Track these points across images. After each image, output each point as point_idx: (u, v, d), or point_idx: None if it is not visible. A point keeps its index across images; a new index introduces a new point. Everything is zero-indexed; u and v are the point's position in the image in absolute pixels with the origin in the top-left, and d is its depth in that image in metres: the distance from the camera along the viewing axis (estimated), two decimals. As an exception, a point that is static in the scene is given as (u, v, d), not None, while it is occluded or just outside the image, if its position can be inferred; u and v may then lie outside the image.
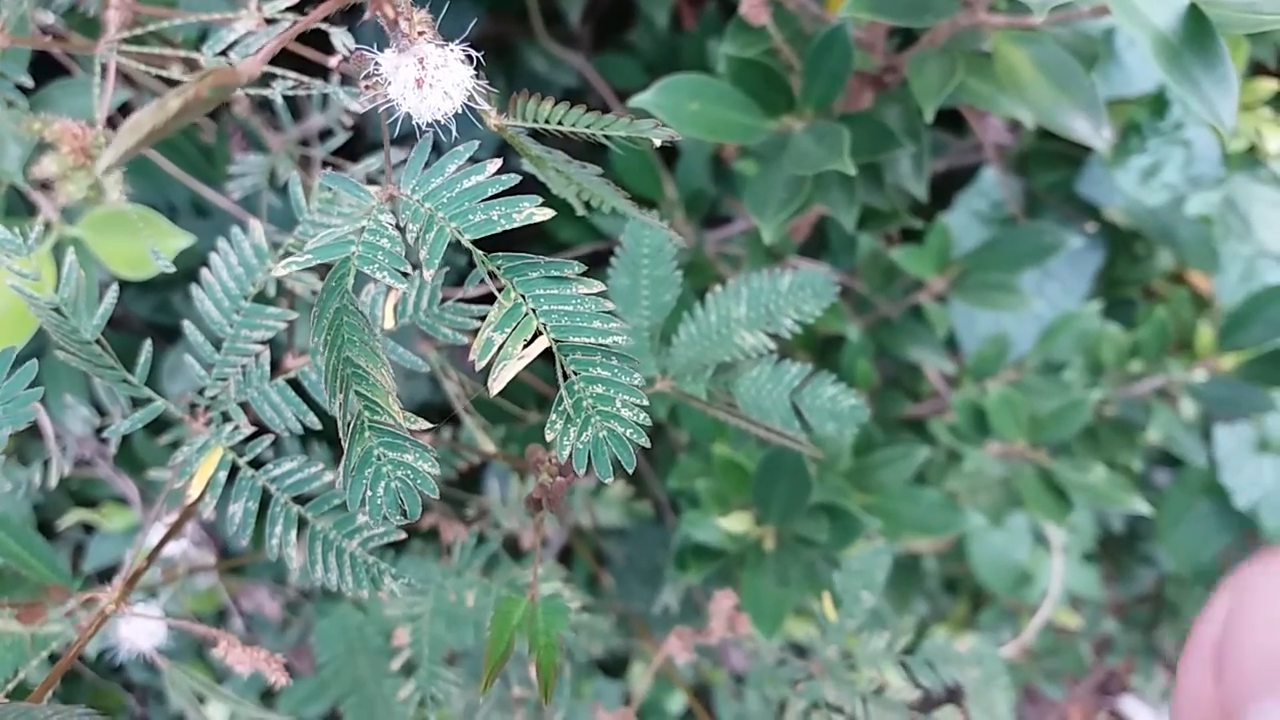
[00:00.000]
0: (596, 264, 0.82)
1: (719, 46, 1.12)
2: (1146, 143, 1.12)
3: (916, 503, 1.01)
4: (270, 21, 0.63)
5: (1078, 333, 1.19)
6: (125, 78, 1.10)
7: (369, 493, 0.43)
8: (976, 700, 0.88)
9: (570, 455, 0.44)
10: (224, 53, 0.63)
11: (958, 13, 0.76)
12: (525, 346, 0.45)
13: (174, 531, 0.70)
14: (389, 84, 0.47)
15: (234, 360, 0.61)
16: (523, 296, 0.45)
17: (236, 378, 0.61)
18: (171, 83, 0.76)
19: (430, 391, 1.27)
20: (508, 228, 0.46)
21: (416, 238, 0.46)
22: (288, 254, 0.61)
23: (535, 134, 0.52)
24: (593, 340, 0.45)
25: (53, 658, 0.78)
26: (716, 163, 1.29)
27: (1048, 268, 1.28)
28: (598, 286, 0.45)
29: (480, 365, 0.45)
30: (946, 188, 1.34)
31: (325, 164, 0.97)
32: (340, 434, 0.43)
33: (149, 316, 1.35)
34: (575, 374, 0.45)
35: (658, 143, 0.49)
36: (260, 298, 0.64)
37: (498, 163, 0.47)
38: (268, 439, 0.59)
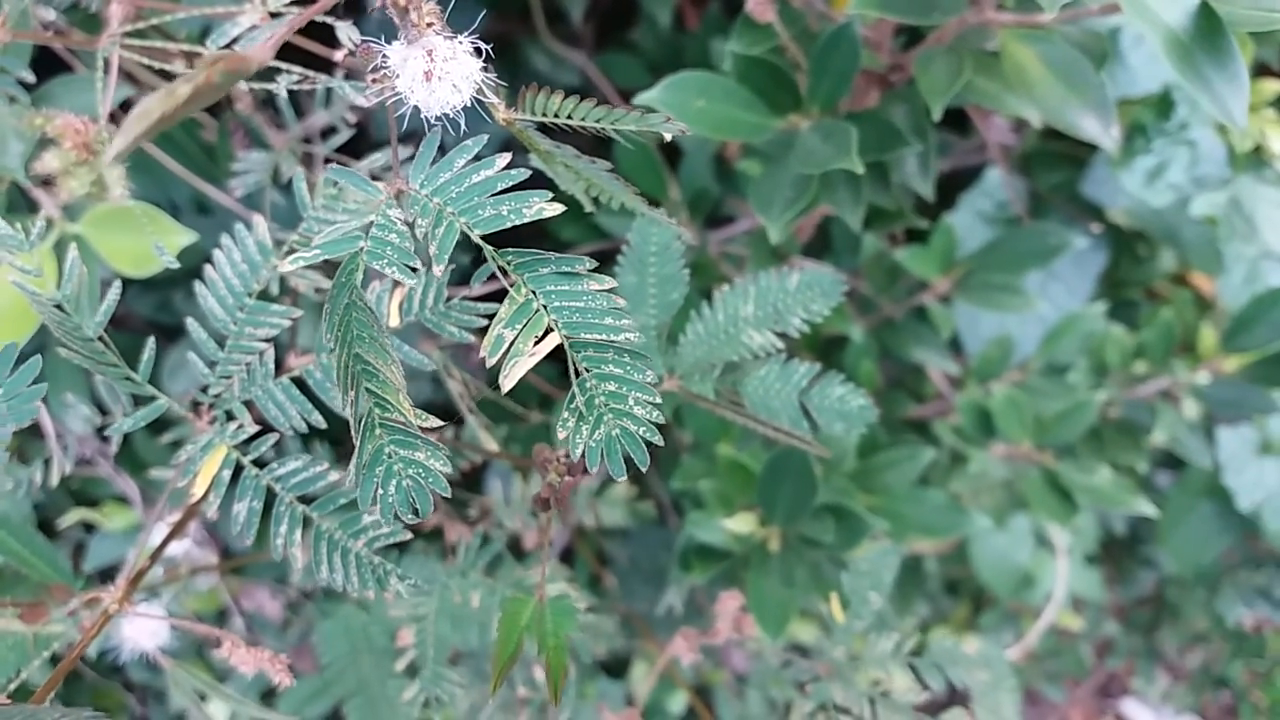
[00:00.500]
0: (600, 264, 0.81)
1: (723, 45, 1.12)
2: (1151, 143, 1.12)
3: (922, 504, 1.01)
4: (274, 15, 0.62)
5: (1082, 334, 1.18)
6: (127, 75, 1.09)
7: (380, 491, 0.42)
8: (982, 702, 0.87)
9: (583, 453, 0.43)
10: (229, 46, 0.62)
11: (965, 10, 0.75)
12: (536, 343, 0.44)
13: (177, 531, 0.70)
14: (397, 77, 0.47)
15: (238, 358, 0.60)
16: (533, 293, 0.45)
17: (240, 376, 0.60)
18: (174, 78, 0.76)
19: (433, 391, 1.26)
20: (517, 223, 0.45)
21: (425, 233, 0.45)
22: (292, 251, 0.61)
23: (543, 129, 0.52)
24: (604, 337, 0.44)
25: (55, 658, 0.78)
26: (719, 162, 1.29)
27: (1052, 269, 1.28)
28: (609, 283, 0.45)
29: (491, 362, 0.44)
30: (950, 188, 1.33)
31: (328, 161, 0.96)
32: (352, 431, 0.42)
33: (150, 315, 1.34)
34: (587, 371, 0.44)
35: (668, 137, 0.49)
36: (264, 295, 0.63)
37: (506, 157, 0.47)
38: (272, 438, 0.59)
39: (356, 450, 0.42)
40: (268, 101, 1.04)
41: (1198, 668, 2.16)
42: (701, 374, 0.66)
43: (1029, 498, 1.10)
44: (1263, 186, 1.15)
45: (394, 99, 0.47)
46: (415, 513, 0.43)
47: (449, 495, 0.42)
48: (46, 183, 1.03)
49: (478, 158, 0.47)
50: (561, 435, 0.44)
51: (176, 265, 0.63)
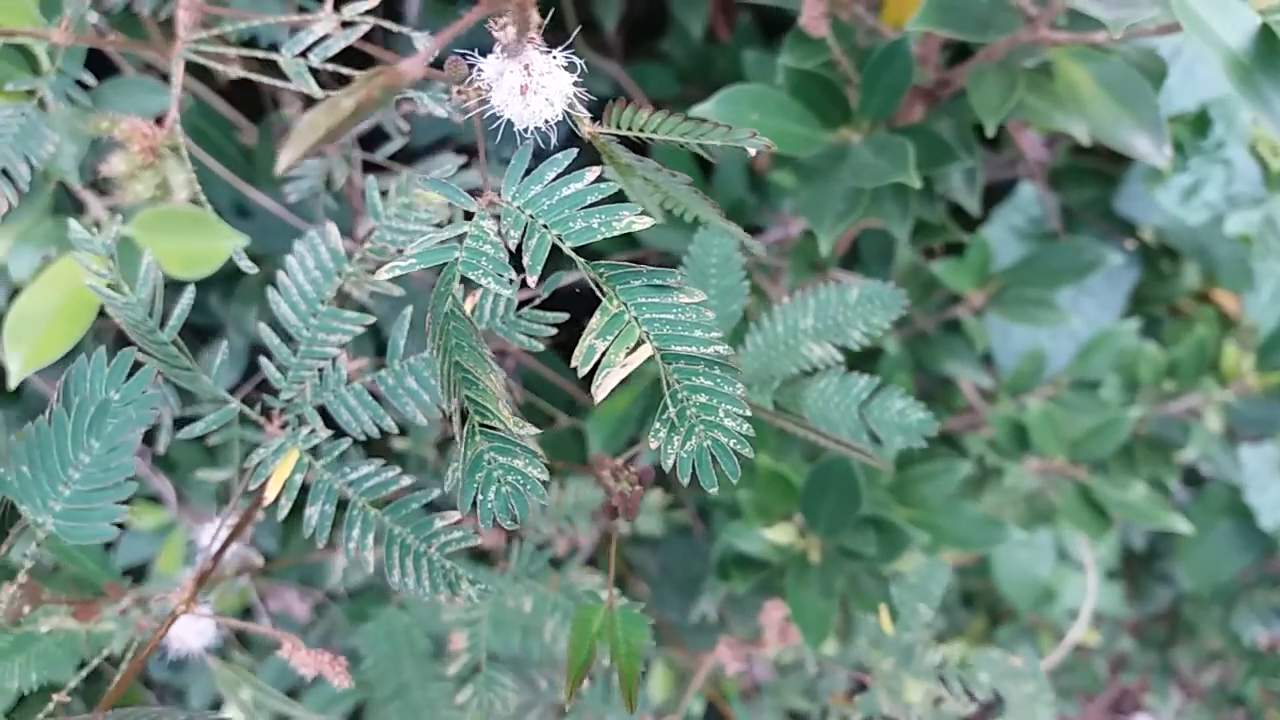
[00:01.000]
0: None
1: (753, 56, 1.13)
2: (1188, 161, 1.13)
3: (959, 517, 1.01)
4: (347, 25, 0.63)
5: (1115, 350, 1.19)
6: (163, 77, 1.10)
7: (480, 496, 0.43)
8: (1017, 714, 0.88)
9: (674, 464, 0.44)
10: (303, 54, 0.63)
11: (1020, 29, 0.76)
12: (628, 355, 0.45)
13: (239, 531, 0.71)
14: (491, 90, 0.48)
15: (310, 363, 0.61)
16: (625, 305, 0.45)
17: (313, 381, 0.61)
18: (243, 82, 0.77)
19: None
20: (608, 235, 0.46)
21: (518, 244, 0.46)
22: (363, 259, 0.61)
23: (627, 142, 0.53)
24: (695, 350, 0.45)
25: (110, 659, 0.79)
26: (749, 173, 1.30)
27: (1085, 284, 1.29)
28: (699, 296, 0.46)
29: (583, 372, 0.45)
30: (981, 202, 1.35)
31: (368, 166, 0.97)
32: (455, 437, 0.43)
33: (189, 318, 1.35)
34: (678, 383, 0.45)
35: (752, 152, 0.50)
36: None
37: (596, 171, 0.48)
38: (345, 442, 0.59)
39: (460, 456, 0.43)
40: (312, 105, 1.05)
41: (1213, 686, 2.16)
42: (760, 385, 0.67)
43: (1064, 512, 1.11)
44: (1296, 207, 1.16)
45: (486, 111, 0.48)
46: (513, 519, 0.43)
47: (545, 502, 0.43)
48: (95, 185, 1.04)
49: (566, 171, 0.48)
50: (653, 445, 0.44)
51: (255, 270, 0.64)
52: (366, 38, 0.63)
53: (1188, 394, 1.21)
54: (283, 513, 0.59)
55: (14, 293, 1.05)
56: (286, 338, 0.62)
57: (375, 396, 0.61)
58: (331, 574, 1.05)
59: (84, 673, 0.70)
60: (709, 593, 1.10)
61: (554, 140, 0.50)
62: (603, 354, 0.45)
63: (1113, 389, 1.20)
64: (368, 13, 0.62)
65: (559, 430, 1.20)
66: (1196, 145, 1.14)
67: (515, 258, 0.47)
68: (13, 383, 0.94)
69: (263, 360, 0.62)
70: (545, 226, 0.46)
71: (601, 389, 0.44)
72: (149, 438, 1.11)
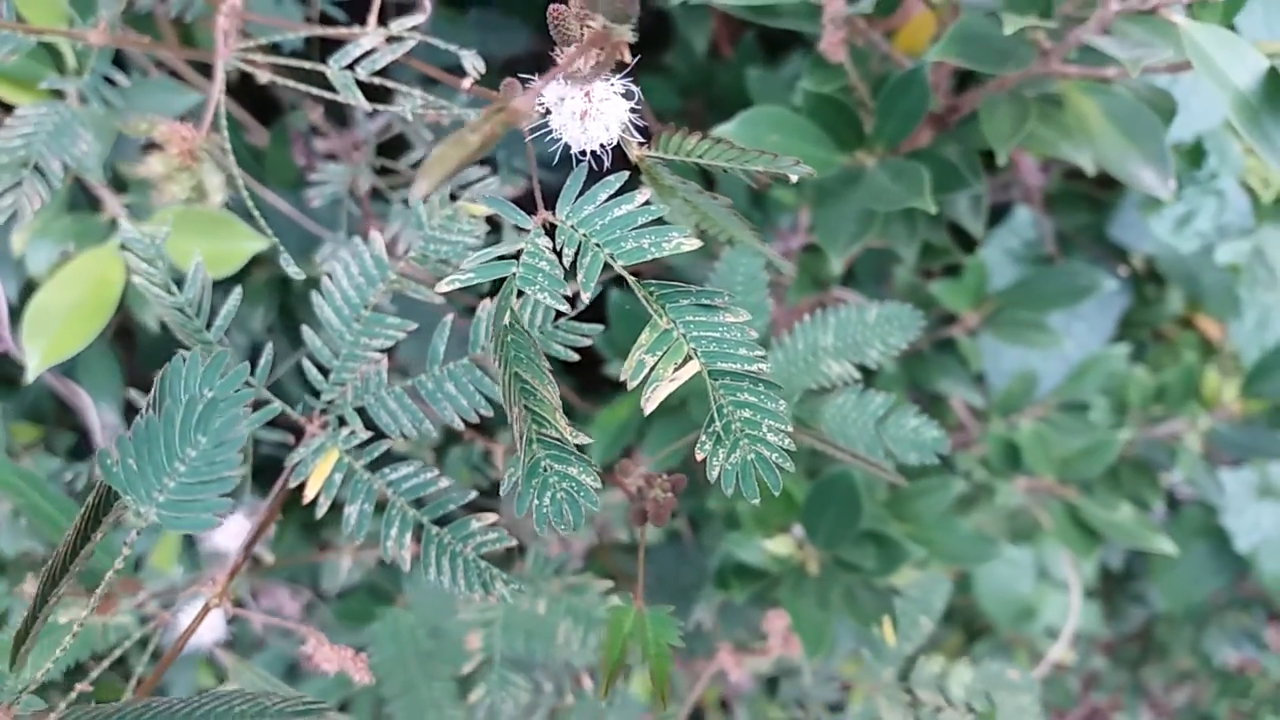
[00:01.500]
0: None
1: (755, 74, 1.16)
2: (1182, 191, 1.17)
3: (952, 533, 1.04)
4: (392, 40, 0.66)
5: (1105, 374, 1.23)
6: (175, 75, 1.12)
7: (536, 501, 0.46)
8: (1009, 726, 0.91)
9: (719, 475, 0.47)
10: (350, 67, 0.65)
11: (1034, 62, 0.80)
12: (676, 370, 0.48)
13: (265, 527, 0.73)
14: (551, 114, 0.50)
15: (352, 366, 0.63)
16: (674, 322, 0.48)
17: (354, 384, 0.63)
18: (249, 84, 0.79)
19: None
20: (657, 256, 0.49)
21: (571, 261, 0.49)
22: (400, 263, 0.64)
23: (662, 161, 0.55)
24: (739, 367, 0.48)
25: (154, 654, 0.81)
26: (750, 189, 1.33)
27: (1077, 309, 1.33)
28: (744, 315, 0.48)
29: (631, 385, 0.48)
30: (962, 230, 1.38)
31: (381, 171, 1.00)
32: (516, 445, 0.46)
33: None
34: (724, 398, 0.48)
35: (793, 179, 0.52)
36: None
37: (646, 194, 0.50)
38: (385, 444, 0.62)
39: (520, 462, 0.46)
40: (335, 112, 1.07)
41: (1182, 705, 2.20)
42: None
43: (1055, 530, 1.14)
44: (1283, 238, 1.20)
45: (543, 134, 0.51)
46: (567, 524, 0.46)
47: (598, 508, 0.46)
48: (113, 185, 1.06)
49: (619, 192, 0.50)
50: (700, 457, 0.47)
51: (302, 277, 0.66)
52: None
53: (1174, 418, 1.24)
54: (322, 510, 0.62)
55: (25, 286, 1.07)
56: (329, 341, 0.64)
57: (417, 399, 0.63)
58: (334, 574, 1.07)
59: (106, 663, 0.72)
60: (704, 601, 1.12)
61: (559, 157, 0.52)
62: (652, 368, 0.48)
63: (1101, 411, 1.24)
64: (413, 28, 0.64)
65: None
66: (1191, 176, 1.18)
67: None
68: (30, 376, 0.95)
69: (305, 362, 0.64)
70: (598, 245, 0.49)
71: (651, 401, 0.47)
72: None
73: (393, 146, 1.02)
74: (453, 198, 0.66)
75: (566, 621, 0.77)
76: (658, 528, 0.60)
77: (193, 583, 0.91)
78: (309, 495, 0.61)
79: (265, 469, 0.97)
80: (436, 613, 0.95)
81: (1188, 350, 1.34)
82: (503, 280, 0.49)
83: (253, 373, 0.63)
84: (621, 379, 0.48)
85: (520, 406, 0.45)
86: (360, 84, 0.67)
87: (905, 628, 0.86)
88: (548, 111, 0.51)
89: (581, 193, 0.50)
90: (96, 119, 0.86)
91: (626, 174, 0.51)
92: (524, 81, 0.55)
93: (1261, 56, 0.69)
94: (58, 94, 0.91)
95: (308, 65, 0.67)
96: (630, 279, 0.48)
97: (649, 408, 0.47)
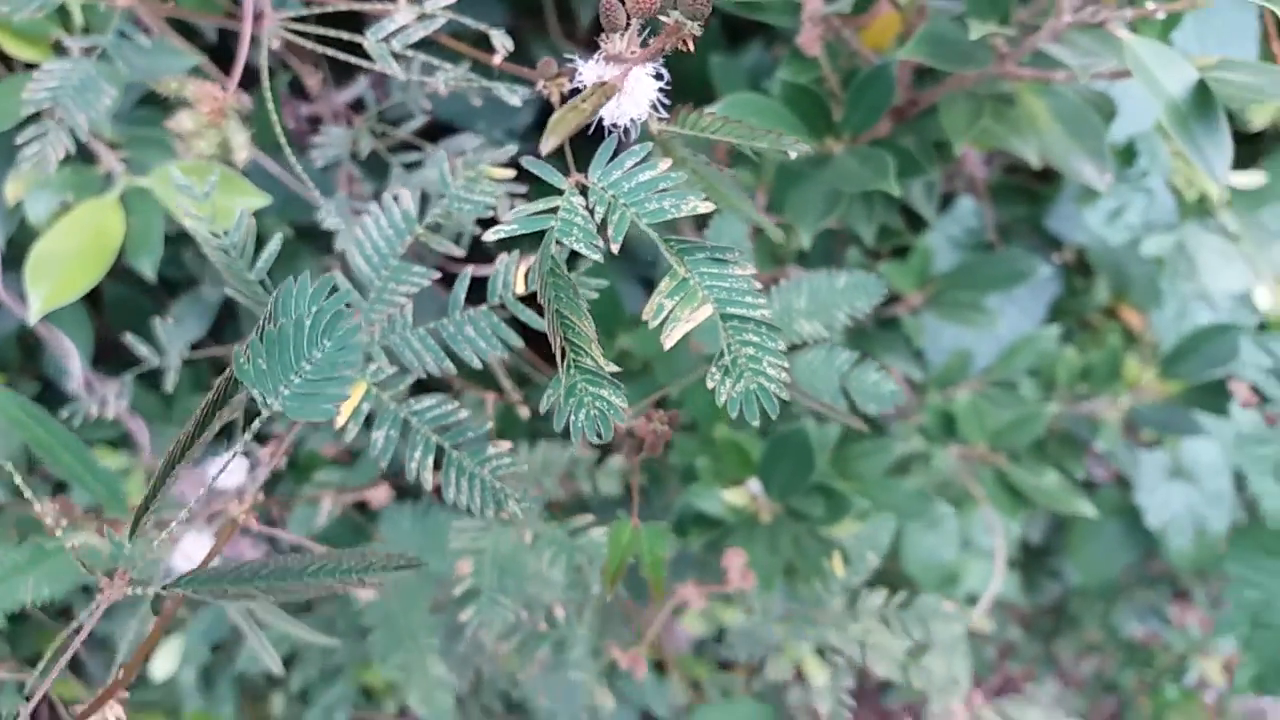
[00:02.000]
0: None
1: (718, 60, 1.25)
2: (1115, 188, 1.28)
3: (892, 490, 1.14)
4: (424, 18, 0.73)
5: (1036, 353, 1.34)
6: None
7: (573, 417, 0.54)
8: (942, 653, 1.01)
9: (726, 401, 0.55)
10: (386, 39, 0.73)
11: (992, 64, 0.89)
12: (692, 313, 0.56)
13: (280, 452, 0.81)
14: (582, 89, 0.58)
15: (380, 309, 0.71)
16: (691, 272, 0.57)
17: (382, 324, 0.71)
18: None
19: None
20: (676, 216, 0.58)
21: (602, 218, 0.57)
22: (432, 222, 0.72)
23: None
24: (746, 312, 0.56)
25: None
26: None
27: (1012, 293, 1.44)
28: (750, 269, 0.57)
29: (652, 325, 0.56)
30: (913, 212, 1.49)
31: (393, 142, 1.07)
32: (559, 371, 0.54)
33: (160, 270, 1.42)
34: (732, 338, 0.56)
35: (792, 155, 0.61)
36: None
37: (668, 161, 0.59)
38: (410, 377, 0.70)
39: (561, 384, 0.54)
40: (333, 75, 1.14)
41: (1090, 675, 2.34)
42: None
43: (986, 494, 1.25)
44: (1205, 233, 1.32)
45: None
46: (599, 435, 0.54)
47: (624, 422, 0.54)
48: (110, 144, 1.11)
49: (644, 160, 0.59)
50: (710, 385, 0.56)
51: (341, 227, 0.73)
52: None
53: (1097, 397, 1.36)
54: (350, 435, 0.69)
55: (14, 234, 1.12)
56: (359, 285, 0.72)
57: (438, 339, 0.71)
58: (313, 518, 1.14)
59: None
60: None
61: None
62: (670, 310, 0.56)
63: (1030, 388, 1.35)
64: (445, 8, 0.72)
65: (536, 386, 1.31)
66: (1123, 174, 1.30)
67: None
68: (33, 319, 1.01)
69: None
70: (625, 205, 0.57)
71: (670, 338, 0.56)
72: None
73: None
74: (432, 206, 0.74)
75: (549, 551, 0.85)
76: (652, 455, 0.69)
77: (201, 512, 0.98)
78: (339, 422, 0.69)
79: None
80: (412, 551, 1.03)
81: (1112, 336, 1.46)
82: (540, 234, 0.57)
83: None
84: (644, 319, 0.56)
85: (561, 337, 0.54)
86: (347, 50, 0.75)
87: (855, 563, 0.96)
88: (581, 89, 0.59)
89: (611, 159, 0.59)
90: (115, 76, 0.92)
91: (651, 145, 0.60)
92: (563, 60, 0.64)
93: (1193, 69, 0.79)
94: (61, 50, 0.97)
95: (345, 36, 0.74)
96: (655, 236, 0.57)
97: (669, 343, 0.55)
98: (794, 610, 1.00)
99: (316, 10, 0.78)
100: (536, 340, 0.65)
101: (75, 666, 1.58)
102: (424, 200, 0.73)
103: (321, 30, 0.76)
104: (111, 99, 0.90)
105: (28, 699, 0.63)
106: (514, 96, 0.72)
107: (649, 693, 1.33)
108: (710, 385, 0.56)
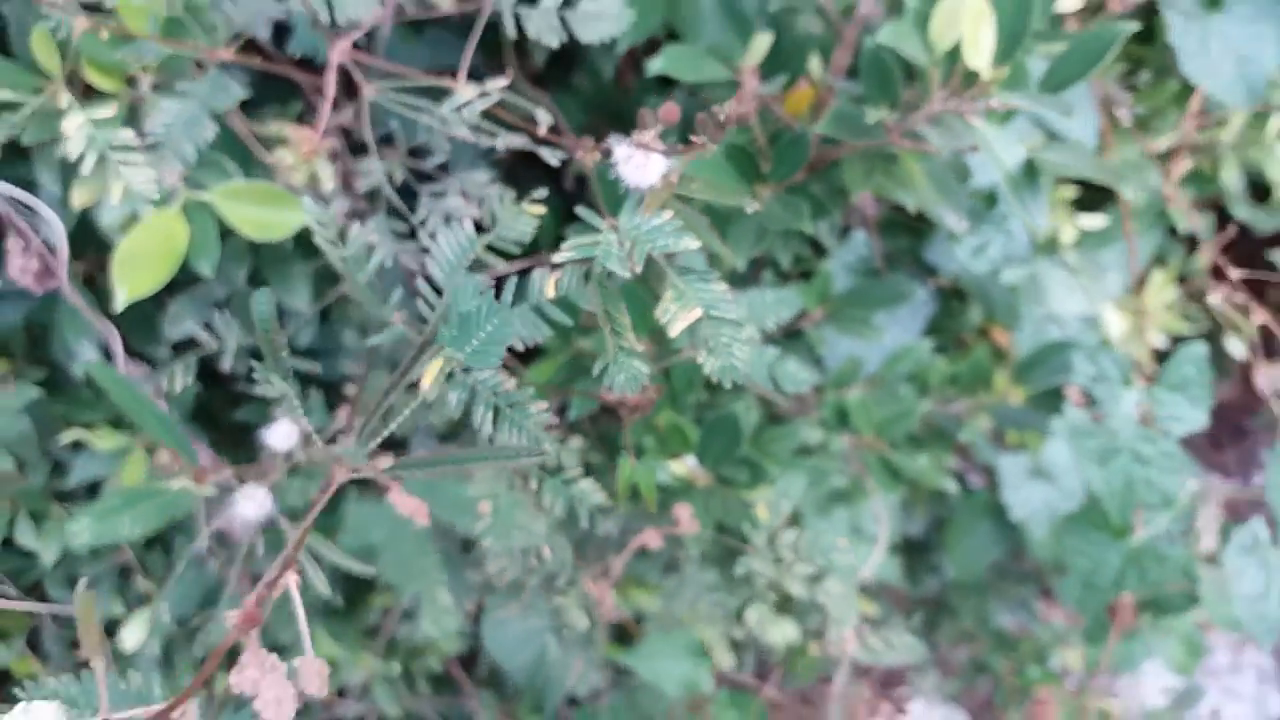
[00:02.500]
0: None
1: (653, 105, 1.62)
2: (980, 226, 1.70)
3: (799, 466, 1.53)
4: (484, 95, 1.10)
5: (914, 361, 1.75)
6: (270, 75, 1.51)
7: (615, 378, 0.91)
8: (841, 576, 1.40)
9: (710, 372, 0.93)
10: (458, 110, 1.09)
11: (883, 136, 1.29)
12: (688, 313, 0.93)
13: (351, 418, 1.15)
14: (617, 163, 0.96)
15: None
16: (687, 286, 0.94)
17: (452, 317, 1.07)
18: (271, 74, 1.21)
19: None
20: (676, 250, 0.95)
21: (630, 249, 0.94)
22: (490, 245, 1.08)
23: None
24: (721, 314, 0.94)
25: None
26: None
27: (895, 312, 1.85)
28: (725, 286, 0.95)
29: (662, 322, 0.93)
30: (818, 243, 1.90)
31: (419, 175, 1.42)
32: (607, 347, 0.91)
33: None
34: (712, 330, 0.94)
35: (749, 210, 0.99)
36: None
37: (670, 212, 0.96)
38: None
39: (608, 356, 0.91)
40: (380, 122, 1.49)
41: (965, 661, 2.74)
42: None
43: (871, 472, 1.65)
44: (1053, 267, 1.75)
45: (615, 175, 0.96)
46: (631, 390, 0.91)
47: (647, 382, 0.91)
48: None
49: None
50: (700, 360, 0.93)
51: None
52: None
53: (964, 399, 1.77)
54: (432, 396, 1.05)
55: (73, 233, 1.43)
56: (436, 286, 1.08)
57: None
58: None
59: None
60: (614, 515, 1.59)
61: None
62: (675, 311, 0.93)
63: (908, 390, 1.76)
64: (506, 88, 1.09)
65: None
66: (987, 215, 1.71)
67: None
68: (119, 308, 1.32)
69: (418, 303, 1.07)
70: (643, 241, 0.94)
71: (674, 328, 0.93)
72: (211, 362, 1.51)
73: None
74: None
75: (549, 494, 1.20)
76: (643, 416, 1.06)
77: (255, 471, 1.32)
78: (425, 385, 1.04)
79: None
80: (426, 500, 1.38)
81: (980, 350, 1.88)
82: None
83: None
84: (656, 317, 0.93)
85: (609, 325, 0.91)
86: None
87: (775, 505, 1.34)
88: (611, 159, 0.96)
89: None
90: (214, 114, 1.25)
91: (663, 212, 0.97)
92: (598, 140, 1.01)
93: (1023, 150, 1.19)
94: (132, 82, 1.30)
95: (425, 105, 1.11)
96: (661, 260, 0.94)
97: (675, 332, 0.92)
98: (728, 546, 1.38)
99: (397, 84, 1.13)
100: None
101: (34, 643, 1.71)
102: (476, 225, 1.09)
103: (406, 99, 1.13)
104: (213, 133, 1.23)
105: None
106: (554, 158, 1.09)
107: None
108: (700, 360, 0.94)
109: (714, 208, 1.42)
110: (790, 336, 1.80)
